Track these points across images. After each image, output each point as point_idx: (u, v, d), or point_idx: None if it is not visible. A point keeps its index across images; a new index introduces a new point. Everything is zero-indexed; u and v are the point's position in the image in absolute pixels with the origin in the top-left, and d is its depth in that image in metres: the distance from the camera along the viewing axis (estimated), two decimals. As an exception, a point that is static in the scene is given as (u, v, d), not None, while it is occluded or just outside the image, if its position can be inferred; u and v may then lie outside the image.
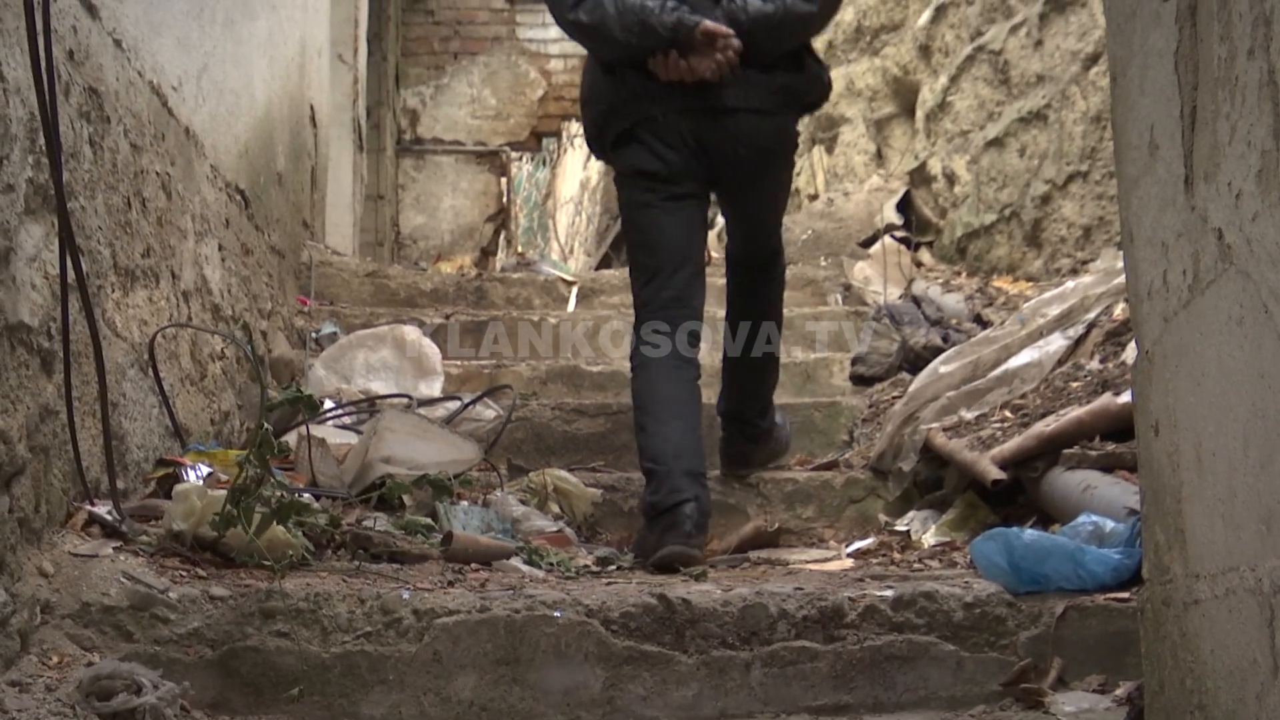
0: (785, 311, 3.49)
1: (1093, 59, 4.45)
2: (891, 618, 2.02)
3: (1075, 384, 3.04)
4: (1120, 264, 2.94)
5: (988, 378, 3.33)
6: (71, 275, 1.98)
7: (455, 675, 1.92)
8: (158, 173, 2.69)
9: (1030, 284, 4.65)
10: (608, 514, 3.19)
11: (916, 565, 2.64)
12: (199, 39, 3.10)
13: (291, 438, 3.03)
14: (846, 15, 6.22)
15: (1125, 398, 2.57)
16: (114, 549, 2.03)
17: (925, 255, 5.71)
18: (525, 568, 2.45)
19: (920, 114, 5.92)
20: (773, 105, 3.05)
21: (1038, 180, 4.77)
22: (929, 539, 2.87)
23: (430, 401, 3.69)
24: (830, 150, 6.86)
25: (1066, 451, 2.62)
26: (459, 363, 4.24)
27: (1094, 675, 1.94)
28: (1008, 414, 3.12)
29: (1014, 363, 3.33)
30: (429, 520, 2.64)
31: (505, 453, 3.56)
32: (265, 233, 4.11)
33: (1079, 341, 3.28)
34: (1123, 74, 1.51)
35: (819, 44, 3.79)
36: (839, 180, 6.72)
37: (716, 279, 4.56)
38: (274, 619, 1.92)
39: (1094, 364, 3.11)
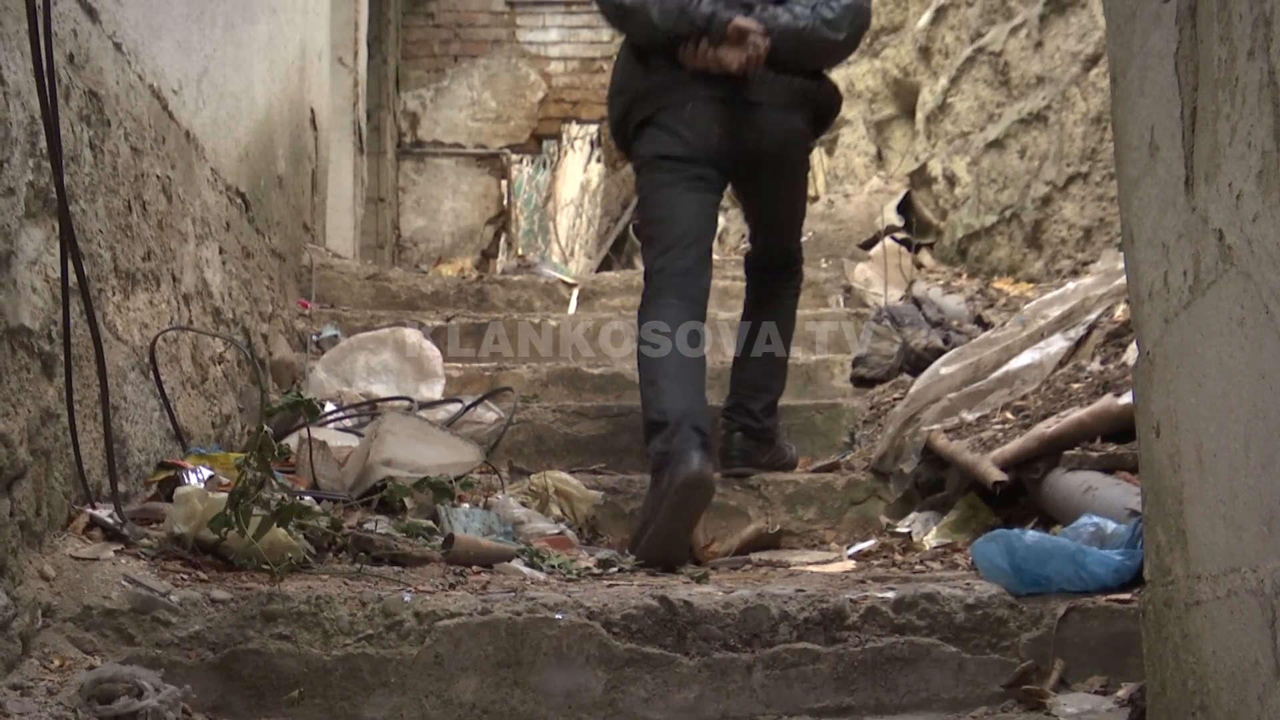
0: (788, 313, 3.56)
1: (1093, 60, 4.45)
2: (893, 619, 2.02)
3: (1076, 385, 3.04)
4: (1121, 265, 2.94)
5: (989, 379, 3.33)
6: (72, 278, 1.98)
7: (457, 678, 1.92)
8: (158, 176, 2.69)
9: (1031, 285, 4.65)
10: (609, 516, 3.19)
11: (918, 567, 2.64)
12: (199, 42, 3.10)
13: (293, 440, 3.04)
14: (847, 17, 6.21)
15: (1126, 399, 2.57)
16: (115, 552, 2.03)
17: (926, 257, 5.71)
18: (526, 570, 2.45)
19: (920, 116, 5.93)
20: (792, 103, 3.23)
21: (1038, 182, 4.77)
22: (930, 541, 2.87)
23: (431, 404, 3.69)
24: (830, 152, 6.86)
25: (1068, 453, 2.62)
26: (460, 365, 4.24)
27: (1096, 677, 1.94)
28: (1009, 415, 3.12)
29: (1015, 364, 3.33)
30: (430, 523, 2.64)
31: (506, 455, 3.56)
32: (266, 236, 4.11)
33: (1080, 343, 3.28)
34: (1123, 75, 1.51)
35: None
36: (839, 182, 6.72)
37: (718, 281, 4.55)
38: (275, 622, 1.92)
39: (1095, 365, 3.10)
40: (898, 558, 2.81)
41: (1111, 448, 2.58)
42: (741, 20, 3.10)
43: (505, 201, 10.58)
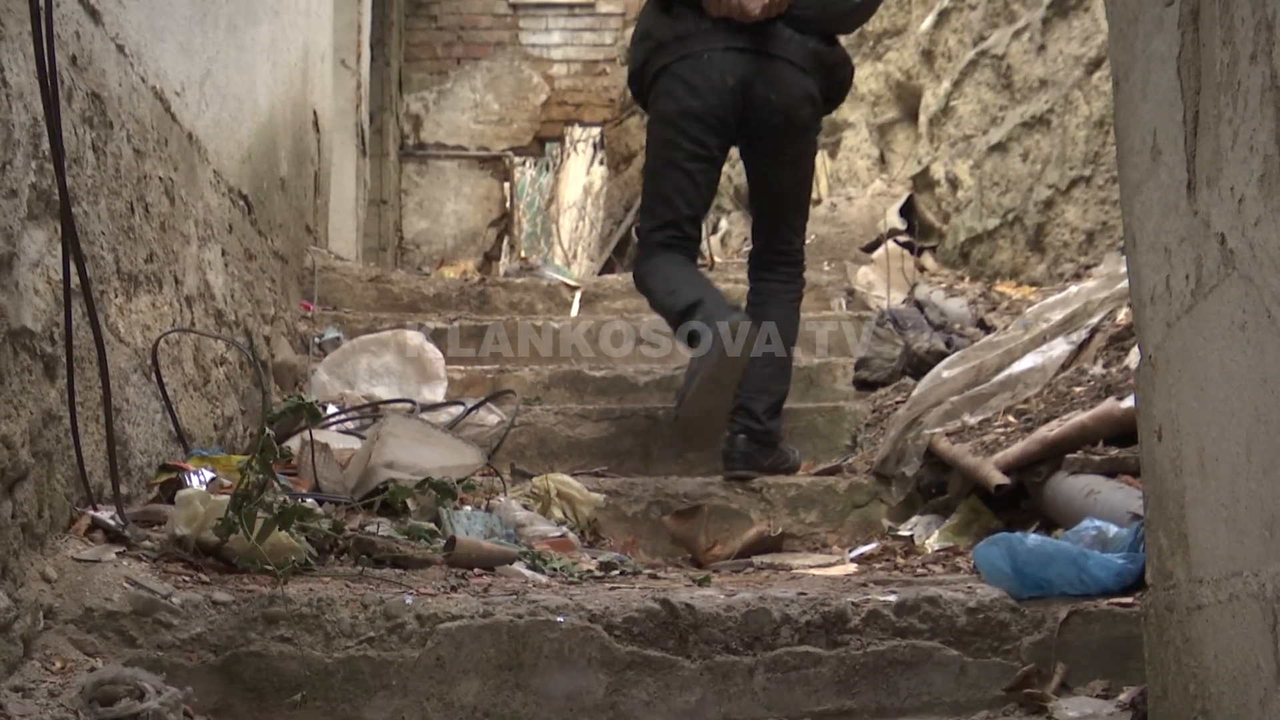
0: (789, 315, 3.60)
1: (1095, 64, 4.45)
2: (895, 623, 2.01)
3: (1078, 389, 3.04)
4: (1123, 269, 2.94)
5: (991, 382, 3.33)
6: (75, 280, 1.98)
7: (458, 680, 1.92)
8: (161, 178, 2.70)
9: (1033, 289, 4.65)
10: (611, 519, 3.19)
11: (920, 570, 2.64)
12: (202, 44, 3.10)
13: (295, 443, 3.04)
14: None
15: (1128, 402, 2.57)
16: (117, 554, 2.03)
17: (928, 260, 5.71)
18: (528, 573, 2.45)
19: (923, 119, 5.93)
20: (806, 63, 3.42)
21: (1041, 185, 4.77)
22: (932, 544, 2.87)
23: (433, 406, 3.69)
24: (833, 155, 6.86)
25: (1070, 456, 2.62)
26: (462, 368, 4.24)
27: (1097, 680, 1.93)
28: (1011, 419, 3.12)
29: (1017, 367, 3.32)
30: (432, 525, 2.64)
31: (508, 458, 3.56)
32: (268, 238, 4.11)
33: (1082, 346, 3.28)
34: (1125, 79, 1.51)
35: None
36: (842, 185, 6.73)
37: (719, 283, 4.55)
38: (277, 624, 1.92)
39: (1097, 369, 3.10)
40: (899, 561, 2.81)
41: (1114, 451, 2.58)
42: None
43: (508, 204, 10.59)
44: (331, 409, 3.55)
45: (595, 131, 10.79)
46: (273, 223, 4.20)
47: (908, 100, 6.19)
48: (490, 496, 3.05)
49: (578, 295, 5.29)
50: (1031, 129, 4.88)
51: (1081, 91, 4.52)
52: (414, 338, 4.06)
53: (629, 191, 9.46)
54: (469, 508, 2.87)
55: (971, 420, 3.20)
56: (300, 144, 4.86)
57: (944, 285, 5.09)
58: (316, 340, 4.40)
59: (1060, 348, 3.31)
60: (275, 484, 2.13)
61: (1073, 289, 3.66)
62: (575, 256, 11.53)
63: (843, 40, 3.61)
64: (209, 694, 1.85)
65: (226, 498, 2.10)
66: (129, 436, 2.44)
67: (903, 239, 5.75)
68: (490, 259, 10.41)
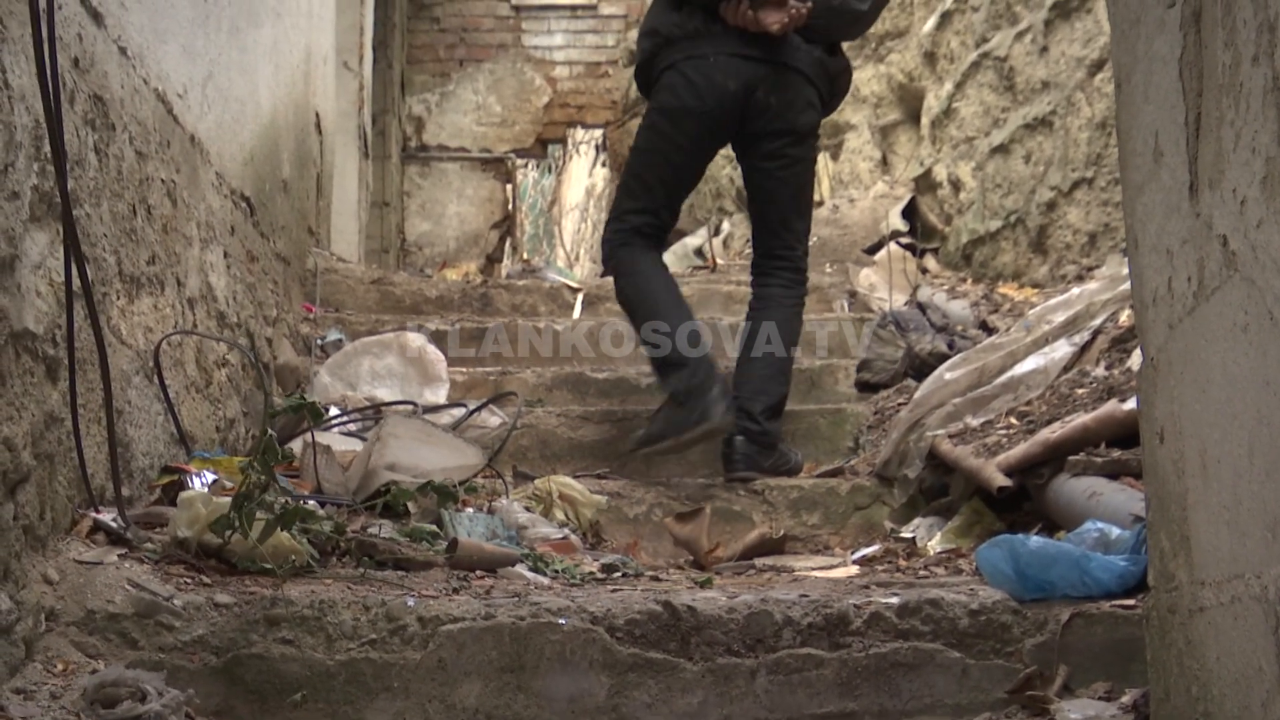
0: (790, 316, 3.61)
1: (1098, 65, 4.45)
2: (897, 625, 2.01)
3: (1081, 390, 3.03)
4: (1125, 270, 2.93)
5: (993, 384, 3.33)
6: (77, 282, 1.98)
7: (460, 682, 1.92)
8: (163, 180, 2.70)
9: (1036, 290, 4.65)
10: (613, 521, 3.19)
11: (922, 572, 2.64)
12: (204, 46, 3.11)
13: (296, 445, 3.04)
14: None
15: (1131, 404, 2.56)
16: (119, 556, 2.03)
17: (930, 262, 5.71)
18: (530, 575, 2.45)
19: (925, 120, 5.92)
20: (813, 73, 3.46)
21: (1043, 187, 4.77)
22: (934, 546, 2.87)
23: (435, 408, 3.69)
24: (835, 157, 6.86)
25: (1072, 458, 2.62)
26: (464, 369, 4.24)
27: (1100, 683, 1.93)
28: (1013, 421, 3.11)
29: (1019, 369, 3.32)
30: (434, 527, 2.64)
31: (510, 459, 3.56)
32: (270, 240, 4.11)
33: (1084, 348, 3.28)
34: (1127, 80, 1.51)
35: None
36: (844, 187, 6.72)
37: (721, 286, 4.53)
38: (278, 626, 1.92)
39: (1099, 370, 3.10)
40: (902, 563, 2.81)
41: (1116, 453, 2.57)
42: None
43: (510, 206, 10.59)
44: (333, 410, 3.55)
45: (597, 133, 10.79)
46: (275, 225, 4.20)
47: (910, 102, 6.19)
48: (492, 498, 3.05)
49: (580, 297, 5.28)
50: (1034, 131, 4.87)
51: (1084, 93, 4.52)
52: (416, 339, 4.06)
53: (631, 193, 9.44)
54: (471, 510, 2.87)
55: (974, 422, 3.20)
56: (303, 146, 4.86)
57: (946, 287, 5.09)
58: (318, 342, 4.40)
59: (1062, 350, 3.30)
60: (277, 486, 2.13)
61: (1075, 291, 3.66)
62: (578, 258, 11.54)
63: (846, 46, 3.63)
64: (211, 696, 1.85)
65: (228, 499, 2.10)
66: (131, 438, 2.44)
67: (905, 241, 5.75)
68: (493, 261, 10.41)
